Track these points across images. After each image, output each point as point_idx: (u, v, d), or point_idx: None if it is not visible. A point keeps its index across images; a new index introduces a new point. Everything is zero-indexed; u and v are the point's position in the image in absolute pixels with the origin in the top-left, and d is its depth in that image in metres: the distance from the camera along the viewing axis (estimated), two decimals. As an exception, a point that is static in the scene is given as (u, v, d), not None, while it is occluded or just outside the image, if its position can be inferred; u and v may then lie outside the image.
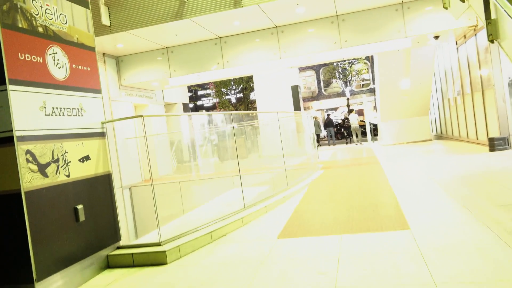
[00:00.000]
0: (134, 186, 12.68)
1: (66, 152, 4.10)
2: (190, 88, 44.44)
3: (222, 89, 30.93)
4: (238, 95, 31.18)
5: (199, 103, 48.94)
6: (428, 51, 14.21)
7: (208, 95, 40.75)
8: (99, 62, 11.76)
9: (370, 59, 37.21)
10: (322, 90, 41.90)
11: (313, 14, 10.89)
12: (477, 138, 11.73)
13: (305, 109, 42.19)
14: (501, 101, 9.73)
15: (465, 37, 11.66)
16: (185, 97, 23.03)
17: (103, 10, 9.98)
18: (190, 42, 12.04)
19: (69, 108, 4.25)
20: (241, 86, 29.69)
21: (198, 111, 45.61)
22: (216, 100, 33.97)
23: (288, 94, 18.33)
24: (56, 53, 4.15)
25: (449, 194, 5.75)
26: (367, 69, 39.08)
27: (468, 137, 12.65)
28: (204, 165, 13.55)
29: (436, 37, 11.16)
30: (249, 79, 27.32)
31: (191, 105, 48.90)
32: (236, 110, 30.93)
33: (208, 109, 46.22)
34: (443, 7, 5.74)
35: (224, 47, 11.90)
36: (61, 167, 4.02)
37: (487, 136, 10.74)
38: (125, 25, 10.14)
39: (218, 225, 5.41)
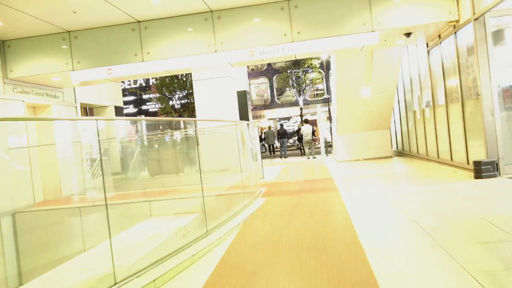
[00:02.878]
0: (20, 212, 9.59)
1: None
2: (126, 90, 41.16)
3: (166, 94, 27.89)
4: (183, 101, 28.29)
5: (144, 107, 45.55)
6: (393, 55, 12.23)
7: (150, 99, 37.56)
8: (-30, 45, 8.69)
9: (325, 68, 35.71)
10: (275, 99, 40.02)
11: (258, -4, 8.49)
12: (451, 159, 9.73)
13: (257, 117, 40.12)
14: (489, 114, 7.71)
15: (440, 37, 9.67)
16: (118, 99, 20.13)
17: (-40, -32, 7.03)
18: (100, 25, 9.25)
19: None
20: (186, 90, 26.84)
21: (141, 116, 42.26)
22: (161, 105, 30.83)
23: (234, 101, 15.86)
24: None
25: (456, 262, 3.40)
26: (321, 78, 37.60)
27: (438, 157, 10.67)
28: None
29: (408, 35, 9.08)
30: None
31: (134, 110, 45.48)
32: (180, 116, 27.99)
33: (153, 114, 42.97)
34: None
35: (144, 34, 9.21)
36: None
37: (467, 158, 8.72)
38: (-8, -9, 7.23)
39: None
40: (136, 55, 9.23)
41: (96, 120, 3.67)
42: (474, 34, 7.75)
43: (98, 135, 4.19)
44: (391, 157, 14.27)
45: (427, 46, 10.70)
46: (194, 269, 4.15)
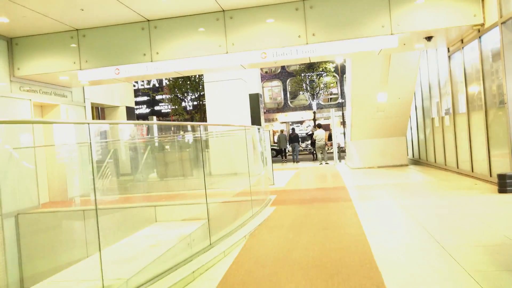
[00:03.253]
0: (23, 213, 9.37)
1: None
2: (140, 91, 41.29)
3: (178, 95, 27.67)
4: (195, 102, 28.07)
5: (156, 108, 45.51)
6: (411, 59, 11.77)
7: (163, 100, 37.29)
8: (-23, 41, 8.52)
9: (339, 72, 35.21)
10: (288, 102, 39.63)
11: (272, -5, 8.16)
12: (472, 171, 9.24)
13: (269, 120, 39.79)
14: (516, 125, 7.23)
15: (462, 42, 9.21)
16: (129, 100, 20.03)
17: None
18: (108, 24, 9.01)
19: None
20: (198, 92, 26.59)
21: (153, 117, 42.28)
22: (173, 106, 30.68)
23: (245, 104, 15.55)
24: None
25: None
26: (336, 82, 37.12)
27: (458, 167, 10.18)
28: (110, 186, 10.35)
29: (428, 38, 8.64)
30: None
31: (147, 110, 45.50)
32: (192, 118, 27.79)
33: (165, 115, 42.90)
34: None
35: (153, 34, 8.94)
36: None
37: (490, 170, 8.23)
38: (-2, -14, 7.01)
39: None
40: (145, 55, 8.95)
41: (88, 124, 3.37)
42: (500, 39, 7.28)
43: (90, 138, 3.89)
44: (406, 165, 13.78)
45: (448, 51, 10.24)
46: (194, 288, 3.81)
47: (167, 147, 10.69)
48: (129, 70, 9.18)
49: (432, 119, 12.15)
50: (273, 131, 39.35)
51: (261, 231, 5.77)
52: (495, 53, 7.81)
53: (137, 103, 44.84)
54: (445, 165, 11.15)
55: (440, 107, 11.35)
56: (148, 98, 44.86)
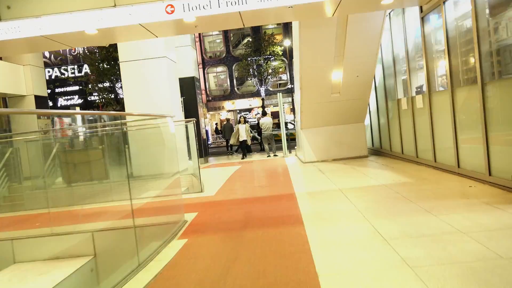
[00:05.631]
0: None
1: None
2: (68, 80, 37.27)
3: (105, 82, 24.02)
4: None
5: (90, 98, 41.14)
6: (372, 26, 9.39)
7: (89, 89, 33.08)
8: None
9: (287, 56, 32.95)
10: (235, 89, 36.97)
11: None
12: (458, 166, 7.02)
13: (215, 109, 37.03)
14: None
15: (443, -5, 6.88)
16: (40, 88, 16.70)
17: None
18: None
19: None
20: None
21: (87, 109, 38.29)
22: (101, 95, 26.95)
23: (174, 89, 12.73)
24: None
25: None
26: (284, 67, 34.88)
27: (435, 161, 7.97)
28: None
29: (402, -14, 6.23)
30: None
31: (79, 101, 41.11)
32: (123, 109, 24.36)
33: (97, 106, 38.77)
34: None
35: (1, -22, 5.89)
36: None
37: (488, 166, 5.98)
38: None
39: None
40: (-11, 10, 5.91)
41: None
42: (512, -24, 4.96)
43: None
44: (366, 156, 11.57)
45: (421, 12, 7.93)
46: None
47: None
48: (-34, 34, 6.06)
49: (398, 100, 9.88)
50: (220, 120, 36.91)
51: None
52: (497, 2, 5.50)
53: (67, 93, 40.50)
54: (417, 157, 8.94)
55: (408, 85, 9.08)
56: (81, 87, 40.42)
